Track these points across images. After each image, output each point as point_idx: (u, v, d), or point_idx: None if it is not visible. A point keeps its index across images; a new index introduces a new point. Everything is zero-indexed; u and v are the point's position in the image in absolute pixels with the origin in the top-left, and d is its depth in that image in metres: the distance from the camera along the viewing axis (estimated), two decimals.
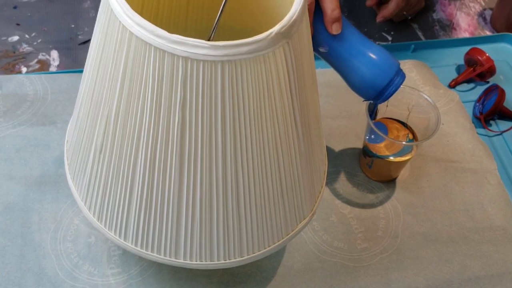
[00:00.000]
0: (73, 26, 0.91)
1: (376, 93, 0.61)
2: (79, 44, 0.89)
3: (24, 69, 0.85)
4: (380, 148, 0.69)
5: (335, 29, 0.59)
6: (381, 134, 0.66)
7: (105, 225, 0.50)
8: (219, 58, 0.37)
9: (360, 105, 0.81)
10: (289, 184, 0.48)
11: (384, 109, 0.71)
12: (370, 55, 0.60)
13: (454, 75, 0.88)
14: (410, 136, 0.71)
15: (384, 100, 0.62)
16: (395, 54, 0.88)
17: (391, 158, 0.69)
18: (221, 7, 0.43)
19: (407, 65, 0.86)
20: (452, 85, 0.86)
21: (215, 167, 0.43)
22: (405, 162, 0.71)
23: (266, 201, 0.47)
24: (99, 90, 0.43)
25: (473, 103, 0.84)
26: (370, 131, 0.68)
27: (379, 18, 0.91)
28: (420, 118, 0.70)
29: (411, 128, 0.71)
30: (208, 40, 0.40)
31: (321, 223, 0.69)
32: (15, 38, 0.88)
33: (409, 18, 0.97)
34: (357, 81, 0.61)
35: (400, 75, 0.61)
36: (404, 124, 0.72)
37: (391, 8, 0.90)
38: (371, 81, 0.60)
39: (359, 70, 0.60)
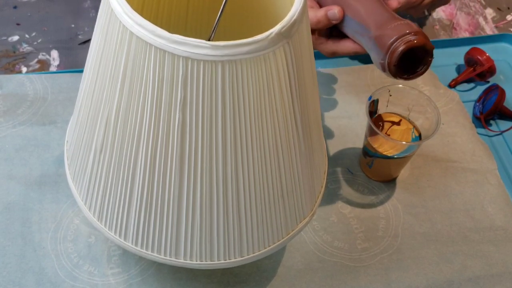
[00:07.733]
0: (73, 26, 0.91)
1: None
2: (79, 44, 0.89)
3: (24, 69, 0.84)
4: (381, 146, 0.69)
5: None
6: (382, 135, 0.66)
7: (105, 225, 0.50)
8: (219, 58, 0.37)
9: (360, 105, 0.81)
10: (289, 184, 0.48)
11: (384, 109, 0.71)
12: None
13: (454, 75, 0.88)
14: (416, 132, 0.70)
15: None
16: None
17: (392, 156, 0.69)
18: (222, 7, 0.43)
19: None
20: (452, 85, 0.86)
21: (215, 167, 0.43)
22: (406, 161, 0.71)
23: (267, 201, 0.47)
24: (99, 90, 0.43)
25: (473, 103, 0.84)
26: (370, 130, 0.68)
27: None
28: (420, 118, 0.70)
29: (413, 123, 0.71)
30: (209, 40, 0.40)
31: (321, 223, 0.69)
32: (15, 38, 0.88)
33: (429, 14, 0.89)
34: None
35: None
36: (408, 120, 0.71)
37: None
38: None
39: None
